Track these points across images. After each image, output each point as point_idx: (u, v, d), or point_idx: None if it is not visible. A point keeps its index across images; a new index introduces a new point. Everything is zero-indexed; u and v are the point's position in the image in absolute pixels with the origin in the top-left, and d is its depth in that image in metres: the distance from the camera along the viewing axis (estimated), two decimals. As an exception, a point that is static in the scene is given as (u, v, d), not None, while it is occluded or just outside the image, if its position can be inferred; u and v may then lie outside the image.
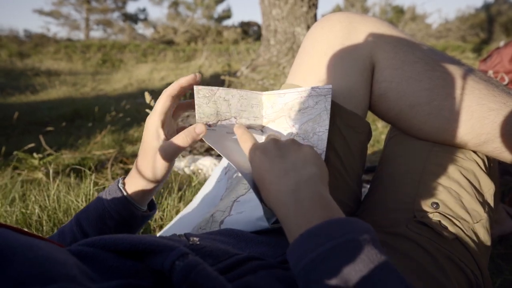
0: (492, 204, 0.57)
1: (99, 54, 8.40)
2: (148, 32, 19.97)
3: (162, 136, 0.49)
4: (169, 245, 0.34)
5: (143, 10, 24.94)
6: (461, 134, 0.55)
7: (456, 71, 0.55)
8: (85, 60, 7.99)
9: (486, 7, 12.92)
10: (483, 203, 0.55)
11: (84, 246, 0.34)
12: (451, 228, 0.51)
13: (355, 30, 0.59)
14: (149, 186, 0.52)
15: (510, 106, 0.52)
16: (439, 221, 0.52)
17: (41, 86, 4.34)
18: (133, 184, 0.52)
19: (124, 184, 0.53)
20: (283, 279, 0.37)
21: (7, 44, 8.77)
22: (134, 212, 0.53)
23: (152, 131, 0.49)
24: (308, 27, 3.67)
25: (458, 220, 0.52)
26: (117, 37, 19.44)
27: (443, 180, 0.55)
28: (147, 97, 0.79)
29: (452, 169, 0.56)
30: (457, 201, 0.53)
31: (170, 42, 14.18)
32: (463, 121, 0.54)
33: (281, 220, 0.37)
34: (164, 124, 0.50)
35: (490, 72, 1.42)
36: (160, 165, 0.49)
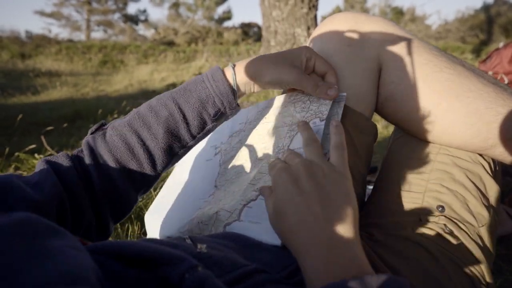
0: (496, 207, 0.57)
1: (100, 55, 8.41)
2: (149, 33, 19.99)
3: (303, 66, 0.53)
4: (177, 255, 0.33)
5: (144, 11, 24.97)
6: (468, 137, 0.54)
7: (464, 74, 0.54)
8: (86, 61, 8.00)
9: (486, 8, 12.92)
10: (488, 206, 0.55)
11: (92, 252, 0.33)
12: (457, 232, 0.51)
13: (362, 30, 0.58)
14: (252, 88, 0.55)
15: None
16: (445, 224, 0.51)
17: (42, 87, 4.35)
18: (243, 78, 0.54)
19: (234, 65, 0.54)
20: None
21: (8, 45, 8.78)
22: (233, 105, 0.54)
23: (302, 57, 0.53)
24: (308, 28, 3.68)
25: (463, 224, 0.52)
26: (118, 38, 19.47)
27: (449, 183, 0.55)
28: None
29: (458, 172, 0.55)
30: (462, 205, 0.53)
31: (170, 43, 14.19)
32: (471, 124, 0.53)
33: (301, 264, 0.36)
34: (310, 61, 0.54)
35: (490, 73, 1.43)
36: (280, 80, 0.52)
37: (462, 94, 0.53)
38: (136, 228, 1.00)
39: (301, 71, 0.53)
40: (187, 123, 0.53)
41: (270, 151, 0.58)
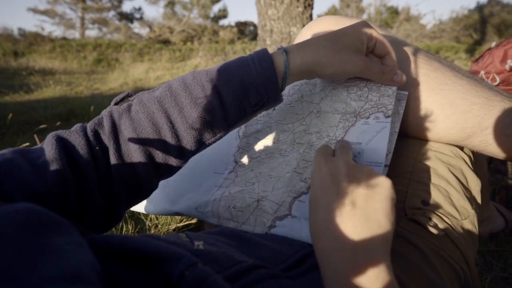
0: (479, 200, 0.58)
1: (94, 53, 8.36)
2: (144, 31, 19.90)
3: (365, 49, 0.47)
4: (177, 253, 0.32)
5: (139, 9, 24.87)
6: (447, 128, 0.56)
7: (440, 69, 0.56)
8: (80, 59, 7.95)
9: (479, 8, 13.02)
10: (471, 199, 0.56)
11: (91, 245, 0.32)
12: (441, 225, 0.52)
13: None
14: (305, 78, 0.49)
15: (492, 100, 0.53)
16: (429, 218, 0.53)
17: (35, 85, 4.32)
18: (297, 68, 0.46)
19: (287, 52, 0.46)
20: None
21: (1, 43, 8.70)
22: (278, 96, 0.47)
23: (363, 37, 0.47)
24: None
25: (447, 217, 0.53)
26: (113, 36, 19.35)
27: (432, 178, 0.56)
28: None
29: (440, 167, 0.57)
30: (446, 198, 0.54)
31: (166, 42, 14.13)
32: (448, 115, 0.55)
33: (321, 266, 0.35)
34: (370, 41, 0.48)
35: (482, 73, 1.44)
36: (344, 72, 0.47)
37: (437, 87, 0.55)
38: (130, 227, 1.00)
39: (365, 58, 0.47)
40: (224, 110, 0.45)
41: (313, 136, 0.52)
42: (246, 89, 0.44)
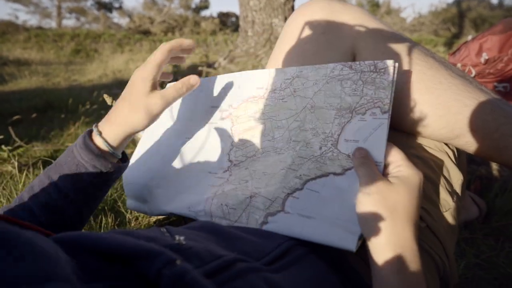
0: (460, 193, 0.59)
1: (72, 44, 8.10)
2: (124, 21, 19.38)
3: (150, 87, 0.52)
4: (154, 250, 0.31)
5: (118, -2, 24.15)
6: (437, 128, 0.56)
7: (434, 66, 0.56)
8: (57, 50, 7.69)
9: (457, 2, 13.29)
10: (452, 192, 0.57)
11: (61, 243, 0.31)
12: (423, 217, 0.53)
13: (337, 19, 0.59)
14: (129, 134, 0.54)
15: (482, 102, 0.53)
16: None
17: (10, 76, 4.16)
18: (112, 132, 0.53)
19: (100, 132, 0.53)
20: (271, 283, 0.36)
21: (-29, 31, 8.32)
22: (112, 162, 0.53)
23: (143, 81, 0.51)
24: (286, 19, 3.67)
25: (429, 209, 0.54)
26: (91, 26, 18.78)
27: None
28: (108, 100, 0.76)
29: (425, 160, 0.57)
30: (428, 191, 0.55)
31: (146, 32, 13.82)
32: (440, 116, 0.55)
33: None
34: (155, 77, 0.52)
35: (459, 65, 1.48)
36: (148, 114, 0.52)
37: (432, 86, 0.54)
38: (110, 220, 0.98)
39: (156, 95, 0.53)
40: (64, 194, 0.52)
41: (309, 133, 0.51)
42: (77, 173, 0.52)
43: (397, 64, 0.47)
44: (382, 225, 0.38)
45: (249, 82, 0.59)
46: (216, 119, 0.61)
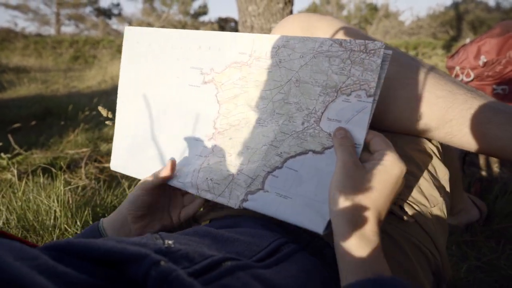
0: (447, 189, 0.61)
1: (71, 50, 8.14)
2: (123, 27, 19.47)
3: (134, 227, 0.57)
4: (140, 253, 0.32)
5: (117, 4, 24.28)
6: (414, 120, 0.58)
7: (407, 64, 0.59)
8: (56, 56, 7.72)
9: (455, 5, 13.36)
10: (439, 188, 0.59)
11: (50, 251, 0.32)
12: (411, 213, 0.54)
13: (313, 29, 0.63)
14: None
15: (455, 93, 0.55)
16: (400, 206, 0.54)
17: (8, 83, 4.17)
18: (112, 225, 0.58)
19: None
20: (262, 279, 0.37)
21: (-29, 39, 8.35)
22: None
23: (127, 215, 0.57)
24: (284, 24, 3.69)
25: (417, 205, 0.55)
26: (90, 33, 18.87)
27: None
28: (103, 112, 0.75)
29: (409, 157, 0.59)
30: (416, 187, 0.56)
31: (145, 38, 13.85)
32: (415, 108, 0.57)
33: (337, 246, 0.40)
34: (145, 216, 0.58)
35: (457, 68, 1.48)
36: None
37: (406, 81, 0.57)
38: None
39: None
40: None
41: (293, 107, 0.51)
42: None
43: (391, 52, 0.46)
44: (346, 210, 0.39)
45: (230, 45, 0.57)
46: (198, 82, 0.59)
